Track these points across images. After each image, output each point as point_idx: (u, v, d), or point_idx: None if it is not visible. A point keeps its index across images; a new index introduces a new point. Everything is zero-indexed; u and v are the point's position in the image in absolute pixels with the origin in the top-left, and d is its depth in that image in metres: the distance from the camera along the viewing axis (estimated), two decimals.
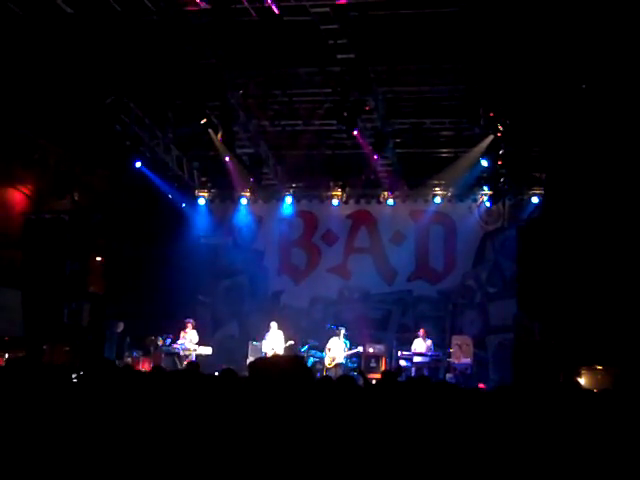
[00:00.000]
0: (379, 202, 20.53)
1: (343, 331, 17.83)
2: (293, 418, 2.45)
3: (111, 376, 4.73)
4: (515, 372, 15.51)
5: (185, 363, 17.05)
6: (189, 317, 18.40)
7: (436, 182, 19.76)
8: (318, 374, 15.46)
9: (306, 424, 2.49)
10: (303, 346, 18.18)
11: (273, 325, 18.15)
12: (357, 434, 3.22)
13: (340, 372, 16.88)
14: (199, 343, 18.02)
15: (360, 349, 17.93)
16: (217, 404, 4.56)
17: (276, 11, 12.94)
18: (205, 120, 17.05)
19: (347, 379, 4.94)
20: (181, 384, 5.38)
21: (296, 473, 2.48)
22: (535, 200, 19.08)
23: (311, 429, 2.49)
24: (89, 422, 3.86)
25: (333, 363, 17.42)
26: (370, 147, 17.87)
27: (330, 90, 15.89)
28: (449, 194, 19.95)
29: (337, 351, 17.60)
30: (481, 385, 15.11)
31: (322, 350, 17.89)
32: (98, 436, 3.78)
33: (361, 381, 11.09)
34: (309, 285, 20.90)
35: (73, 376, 5.42)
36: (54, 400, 4.05)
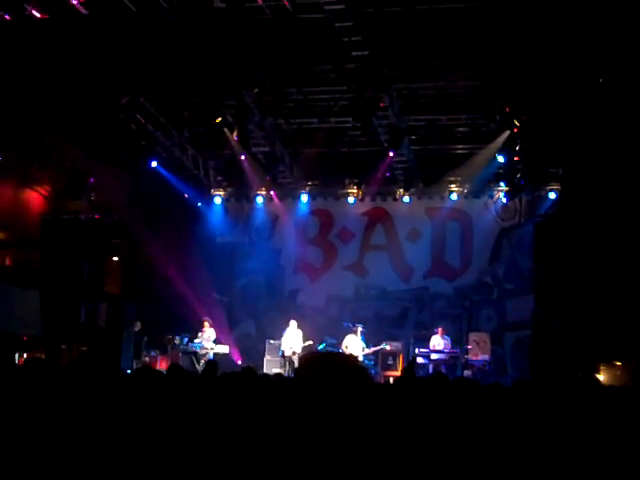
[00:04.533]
0: (395, 199, 20.47)
1: (360, 329, 17.75)
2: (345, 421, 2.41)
3: (118, 383, 4.68)
4: (533, 369, 15.45)
5: (202, 362, 17.10)
6: (206, 316, 18.43)
7: (452, 178, 19.69)
8: None
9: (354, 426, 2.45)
10: (320, 344, 18.13)
11: (292, 324, 18.06)
12: (377, 431, 3.20)
13: None
14: (216, 342, 18.05)
15: (381, 346, 17.84)
16: (237, 402, 4.56)
17: (290, 9, 12.93)
18: (220, 119, 17.09)
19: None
20: (200, 384, 5.39)
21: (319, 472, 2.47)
22: (552, 196, 18.99)
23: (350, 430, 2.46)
24: (92, 424, 3.86)
25: None
26: (385, 144, 17.84)
27: (345, 87, 15.85)
28: (465, 190, 19.87)
29: (355, 349, 17.51)
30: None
31: (339, 348, 17.81)
32: (102, 437, 3.77)
33: None
34: (325, 283, 20.88)
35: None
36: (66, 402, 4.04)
